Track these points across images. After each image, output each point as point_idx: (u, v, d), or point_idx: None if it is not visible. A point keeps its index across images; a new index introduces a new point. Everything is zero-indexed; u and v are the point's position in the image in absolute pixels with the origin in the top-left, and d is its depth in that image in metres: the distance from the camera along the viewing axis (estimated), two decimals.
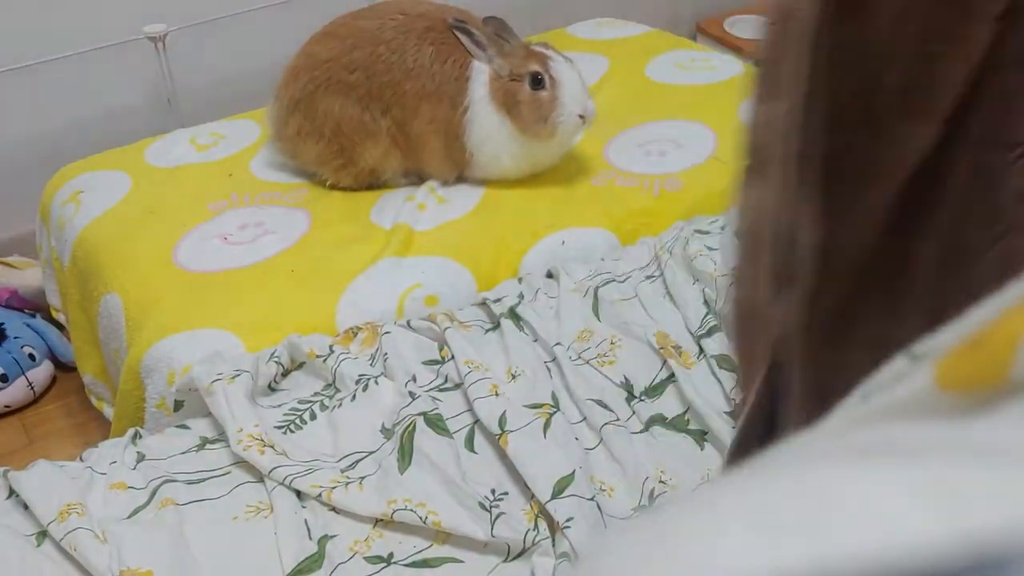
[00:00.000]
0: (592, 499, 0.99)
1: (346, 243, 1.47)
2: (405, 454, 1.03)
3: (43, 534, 0.97)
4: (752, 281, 0.43)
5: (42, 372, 1.88)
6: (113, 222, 1.58)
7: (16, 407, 1.85)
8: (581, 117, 1.47)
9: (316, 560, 0.94)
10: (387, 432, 1.09)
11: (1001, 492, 0.16)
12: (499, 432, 1.04)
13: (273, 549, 0.95)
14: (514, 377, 1.15)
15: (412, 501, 0.98)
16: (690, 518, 0.17)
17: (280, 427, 1.11)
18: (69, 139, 2.06)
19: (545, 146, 1.53)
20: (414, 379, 1.15)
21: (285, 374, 1.23)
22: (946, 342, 0.22)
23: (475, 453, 1.05)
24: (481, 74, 1.51)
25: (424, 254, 1.44)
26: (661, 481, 1.05)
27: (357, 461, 1.06)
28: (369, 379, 1.15)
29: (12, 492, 1.03)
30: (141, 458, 1.08)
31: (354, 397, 1.13)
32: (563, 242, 1.45)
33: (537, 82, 1.47)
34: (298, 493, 1.01)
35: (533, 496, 0.99)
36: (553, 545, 0.96)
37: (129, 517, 0.99)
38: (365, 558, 0.95)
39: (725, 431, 1.07)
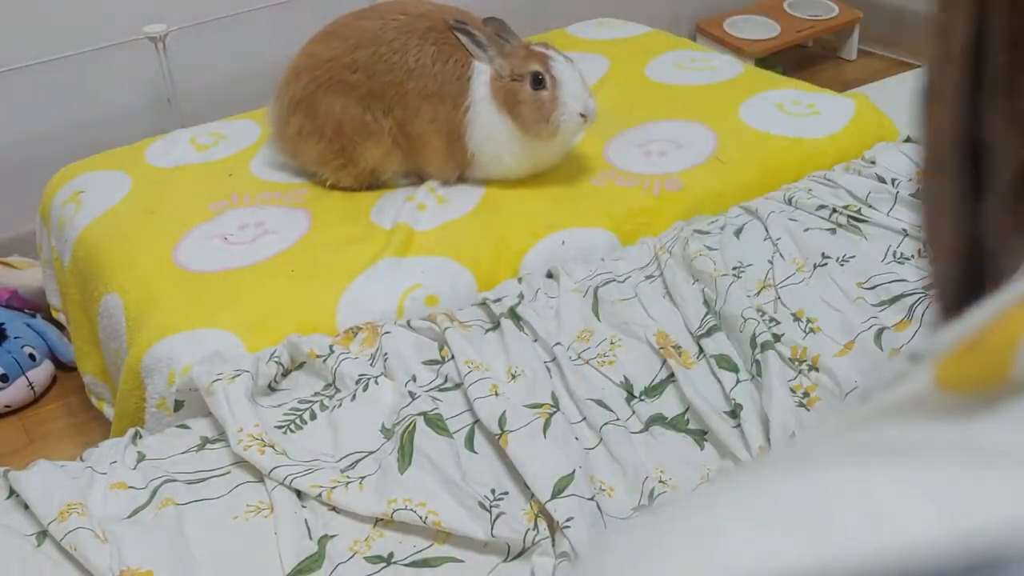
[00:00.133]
0: (592, 499, 0.99)
1: (346, 243, 1.47)
2: (405, 454, 1.03)
3: (43, 534, 0.97)
4: (937, 194, 0.42)
5: (42, 372, 1.88)
6: (113, 222, 1.58)
7: (16, 407, 1.85)
8: (583, 116, 1.47)
9: (316, 560, 0.94)
10: (387, 432, 1.09)
11: (1001, 492, 0.16)
12: (499, 432, 1.04)
13: (273, 549, 0.95)
14: (514, 377, 1.15)
15: (412, 501, 0.98)
16: (690, 518, 0.17)
17: (280, 427, 1.11)
18: (69, 139, 2.06)
19: (547, 146, 1.53)
20: (414, 379, 1.15)
21: (285, 374, 1.23)
22: (946, 342, 0.22)
23: (475, 453, 1.05)
24: (482, 74, 1.51)
25: (424, 254, 1.44)
26: (661, 481, 1.05)
27: (357, 461, 1.06)
28: (369, 379, 1.15)
29: (12, 492, 1.03)
30: (141, 458, 1.08)
31: (354, 397, 1.13)
32: (563, 242, 1.45)
33: (538, 82, 1.47)
34: (298, 493, 1.01)
35: (533, 496, 0.99)
36: (553, 545, 0.96)
37: (129, 517, 0.99)
38: (365, 558, 0.95)
39: (725, 431, 1.08)
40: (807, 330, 1.20)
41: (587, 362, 1.18)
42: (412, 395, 1.12)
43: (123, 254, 1.49)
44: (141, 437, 1.15)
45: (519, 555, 0.96)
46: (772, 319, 1.21)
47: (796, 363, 1.15)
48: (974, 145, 0.36)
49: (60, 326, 1.86)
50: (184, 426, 1.16)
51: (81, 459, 1.11)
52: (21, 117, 2.06)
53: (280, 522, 0.97)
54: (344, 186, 1.61)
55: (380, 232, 1.49)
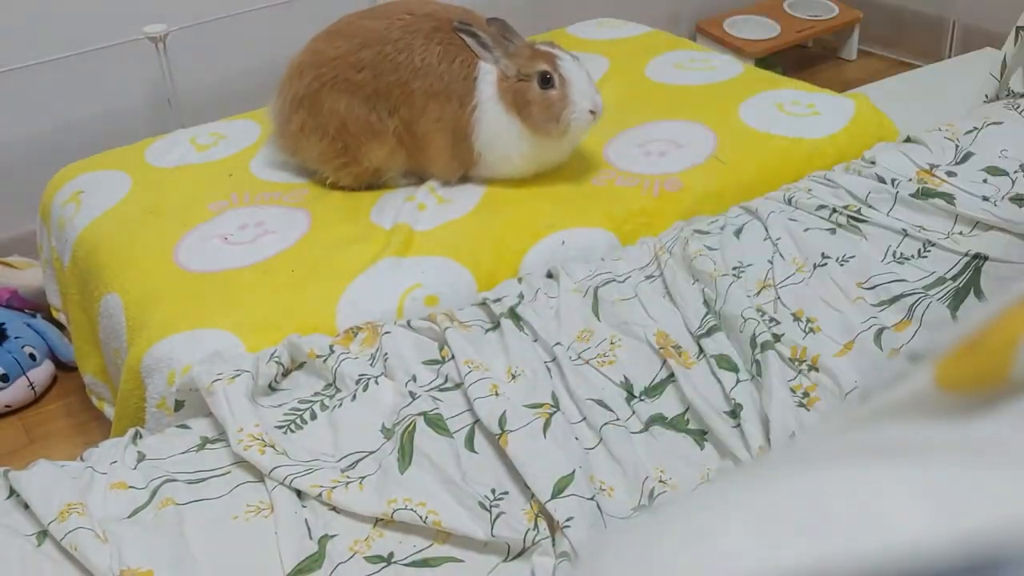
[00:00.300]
0: (592, 499, 0.99)
1: (346, 243, 1.47)
2: (405, 454, 1.03)
3: (43, 534, 0.97)
4: None
5: (43, 372, 1.88)
6: (113, 222, 1.58)
7: (17, 407, 1.85)
8: (592, 113, 1.48)
9: (316, 560, 0.94)
10: (387, 432, 1.09)
11: (1001, 492, 0.16)
12: (499, 432, 1.04)
13: (273, 549, 0.95)
14: (514, 377, 1.15)
15: (412, 501, 0.98)
16: (690, 518, 0.17)
17: (280, 427, 1.11)
18: (69, 139, 2.06)
19: (555, 145, 1.54)
20: (414, 379, 1.15)
21: (285, 374, 1.23)
22: (946, 342, 0.22)
23: (475, 453, 1.05)
24: (489, 74, 1.51)
25: (424, 254, 1.44)
26: (661, 481, 1.05)
27: (357, 461, 1.06)
28: (369, 379, 1.15)
29: (12, 492, 1.03)
30: (142, 458, 1.08)
31: (354, 397, 1.13)
32: (563, 242, 1.45)
33: (546, 81, 1.47)
34: (298, 493, 1.01)
35: (533, 496, 0.99)
36: (553, 545, 0.96)
37: (129, 517, 0.99)
38: (365, 558, 0.95)
39: (725, 431, 1.08)
40: (807, 330, 1.20)
41: (587, 362, 1.18)
42: (412, 395, 1.12)
43: (123, 254, 1.49)
44: (141, 437, 1.15)
45: (519, 555, 0.96)
46: (772, 319, 1.21)
47: (796, 363, 1.15)
48: None
49: (60, 326, 1.86)
50: (184, 426, 1.16)
51: (81, 459, 1.11)
52: (21, 117, 2.06)
53: (280, 522, 0.97)
54: (344, 185, 1.61)
55: (380, 232, 1.49)
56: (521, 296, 1.30)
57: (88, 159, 1.78)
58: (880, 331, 1.18)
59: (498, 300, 1.29)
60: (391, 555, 0.96)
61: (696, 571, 0.16)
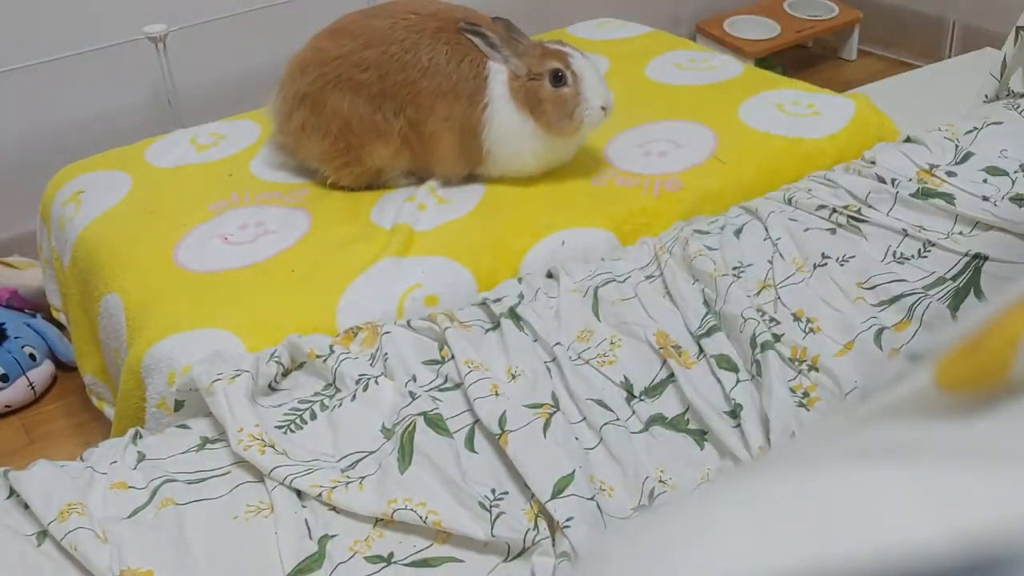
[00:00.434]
0: (592, 499, 0.99)
1: (346, 243, 1.47)
2: (405, 454, 1.03)
3: (43, 534, 0.97)
4: None
5: (43, 372, 1.88)
6: (113, 222, 1.58)
7: (17, 407, 1.85)
8: (603, 109, 1.48)
9: (316, 560, 0.94)
10: (387, 432, 1.09)
11: (1001, 492, 0.16)
12: (499, 432, 1.04)
13: (273, 549, 0.95)
14: (514, 377, 1.15)
15: (412, 501, 0.98)
16: (690, 518, 0.17)
17: (280, 427, 1.11)
18: (69, 139, 2.06)
19: (567, 142, 1.55)
20: (414, 379, 1.15)
21: (285, 374, 1.23)
22: (946, 342, 0.22)
23: (475, 453, 1.05)
24: (499, 73, 1.51)
25: (424, 254, 1.44)
26: (661, 481, 1.05)
27: (357, 461, 1.06)
28: (369, 379, 1.15)
29: (12, 492, 1.03)
30: (141, 458, 1.08)
31: (354, 397, 1.13)
32: (563, 242, 1.45)
33: (559, 79, 1.47)
34: (298, 493, 1.01)
35: (533, 496, 0.99)
36: (553, 545, 0.96)
37: (129, 517, 0.99)
38: (365, 558, 0.95)
39: (725, 431, 1.08)
40: (807, 330, 1.20)
41: (587, 362, 1.18)
42: (412, 395, 1.12)
43: (123, 254, 1.49)
44: (141, 437, 1.15)
45: (519, 555, 0.96)
46: (772, 319, 1.21)
47: (796, 363, 1.15)
48: None
49: (60, 326, 1.86)
50: (184, 426, 1.16)
51: (81, 459, 1.11)
52: (21, 117, 2.06)
53: (280, 522, 0.97)
54: (344, 185, 1.61)
55: (380, 232, 1.49)
56: (521, 296, 1.30)
57: (88, 159, 1.79)
58: (880, 331, 1.18)
59: (498, 300, 1.29)
60: (391, 555, 0.96)
61: (696, 571, 0.16)
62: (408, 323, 1.26)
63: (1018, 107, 1.63)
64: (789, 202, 1.44)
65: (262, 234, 1.51)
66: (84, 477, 1.04)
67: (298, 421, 1.12)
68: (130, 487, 1.03)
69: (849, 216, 1.37)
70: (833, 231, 1.36)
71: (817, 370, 1.14)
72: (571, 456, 1.03)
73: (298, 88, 1.58)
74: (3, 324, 1.87)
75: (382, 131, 1.54)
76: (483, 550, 0.97)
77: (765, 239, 1.35)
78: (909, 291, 1.23)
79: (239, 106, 1.98)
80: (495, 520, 0.97)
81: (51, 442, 1.79)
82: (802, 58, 3.05)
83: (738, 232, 1.39)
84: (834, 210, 1.39)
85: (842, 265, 1.29)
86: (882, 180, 1.44)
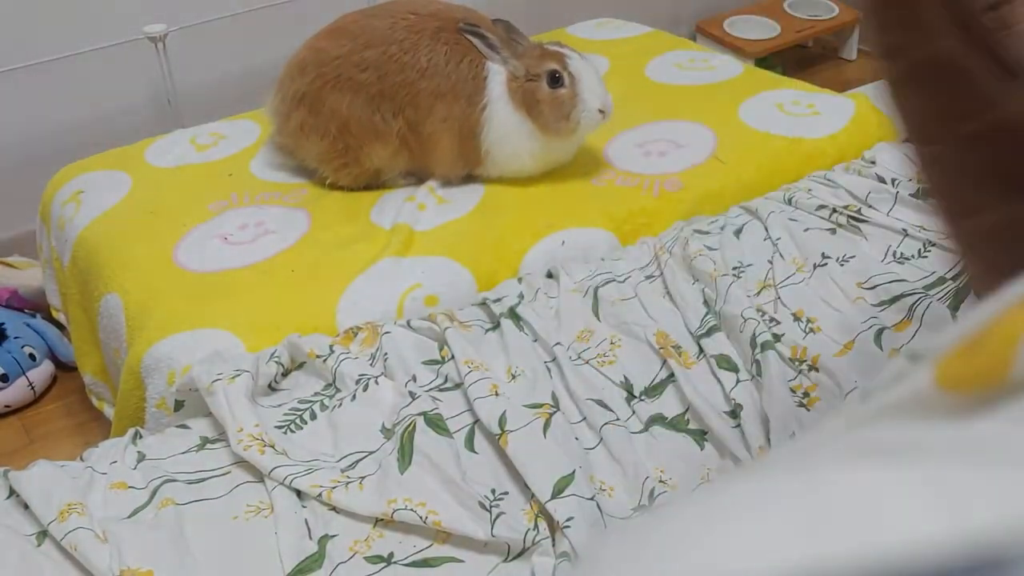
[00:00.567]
0: (592, 499, 0.99)
1: (346, 243, 1.47)
2: (405, 454, 1.03)
3: (43, 534, 0.97)
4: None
5: (42, 372, 1.88)
6: (113, 222, 1.58)
7: (16, 407, 1.85)
8: (601, 112, 1.48)
9: (316, 560, 0.94)
10: (387, 432, 1.09)
11: (1001, 492, 0.16)
12: (499, 432, 1.04)
13: (273, 549, 0.95)
14: (514, 377, 1.15)
15: (412, 501, 0.98)
16: (690, 518, 0.17)
17: (280, 427, 1.11)
18: (69, 139, 2.06)
19: (564, 143, 1.54)
20: (414, 379, 1.15)
21: (285, 374, 1.23)
22: (946, 342, 0.22)
23: (475, 453, 1.05)
24: (498, 74, 1.51)
25: (424, 254, 1.44)
26: (661, 481, 1.05)
27: (357, 461, 1.06)
28: (369, 379, 1.15)
29: (12, 492, 1.03)
30: (141, 458, 1.08)
31: (354, 397, 1.13)
32: (563, 242, 1.45)
33: (555, 80, 1.47)
34: (298, 493, 1.01)
35: (533, 496, 0.99)
36: (553, 545, 0.96)
37: (129, 517, 0.99)
38: (365, 558, 0.95)
39: (725, 431, 1.08)
40: (807, 330, 1.20)
41: (587, 362, 1.18)
42: (412, 395, 1.12)
43: (123, 254, 1.49)
44: (141, 437, 1.15)
45: (519, 555, 0.96)
46: (772, 319, 1.21)
47: (796, 363, 1.15)
48: None
49: (60, 326, 1.86)
50: (184, 426, 1.16)
51: (81, 459, 1.11)
52: (21, 117, 2.06)
53: (280, 522, 0.97)
54: (343, 185, 1.61)
55: (380, 232, 1.49)
56: (521, 296, 1.30)
57: (88, 159, 1.79)
58: (880, 331, 1.18)
59: (498, 300, 1.29)
60: (391, 555, 0.96)
61: (696, 571, 0.16)
62: (408, 323, 1.26)
63: None
64: (789, 202, 1.44)
65: (262, 234, 1.51)
66: (84, 477, 1.04)
67: (298, 421, 1.12)
68: (130, 487, 1.03)
69: (849, 216, 1.37)
70: (833, 231, 1.36)
71: (817, 370, 1.14)
72: (571, 456, 1.03)
73: (297, 88, 1.58)
74: (3, 324, 1.87)
75: (381, 132, 1.54)
76: (483, 550, 0.97)
77: (765, 239, 1.35)
78: (909, 291, 1.23)
79: (239, 106, 1.98)
80: (495, 520, 0.97)
81: (51, 442, 1.79)
82: (802, 58, 3.05)
83: (738, 232, 1.39)
84: (834, 210, 1.39)
85: (842, 265, 1.29)
86: (882, 180, 1.44)
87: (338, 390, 1.16)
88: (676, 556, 0.17)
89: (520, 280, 1.36)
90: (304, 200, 1.60)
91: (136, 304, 1.39)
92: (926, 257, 1.30)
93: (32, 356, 1.86)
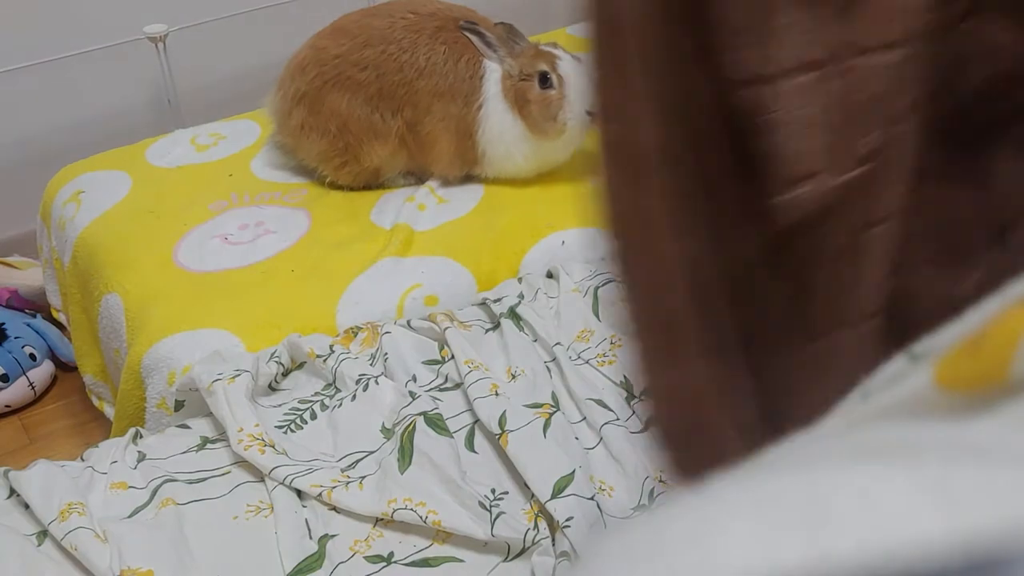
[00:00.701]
0: (592, 498, 0.99)
1: (346, 243, 1.47)
2: (405, 454, 1.03)
3: (44, 534, 0.97)
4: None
5: (43, 372, 1.88)
6: (113, 222, 1.58)
7: (17, 407, 1.85)
8: (590, 114, 1.48)
9: (316, 559, 0.94)
10: (387, 432, 1.09)
11: (1001, 492, 0.16)
12: (499, 432, 1.04)
13: (273, 548, 0.95)
14: (514, 377, 1.15)
15: (412, 500, 0.98)
16: (689, 518, 0.17)
17: (280, 427, 1.11)
18: (69, 139, 2.06)
19: (555, 145, 1.54)
20: (414, 379, 1.15)
21: (285, 374, 1.23)
22: (946, 341, 0.22)
23: (475, 453, 1.05)
24: (495, 73, 1.52)
25: (424, 254, 1.44)
26: (661, 481, 1.05)
27: (357, 461, 1.06)
28: (369, 379, 1.15)
29: (12, 492, 1.03)
30: (142, 458, 1.08)
31: (354, 397, 1.13)
32: (563, 242, 1.45)
33: (545, 81, 1.47)
34: (298, 492, 1.01)
35: (533, 495, 0.99)
36: (553, 544, 0.96)
37: (130, 517, 0.99)
38: (365, 557, 0.95)
39: None
40: None
41: (587, 362, 1.18)
42: (412, 395, 1.12)
43: (123, 254, 1.49)
44: (141, 437, 1.15)
45: (519, 555, 0.96)
46: None
47: None
48: None
49: (60, 326, 1.86)
50: (184, 426, 1.16)
51: (81, 459, 1.11)
52: (21, 117, 2.06)
53: (280, 522, 0.97)
54: (343, 184, 1.61)
55: (380, 232, 1.49)
56: (521, 296, 1.30)
57: (88, 159, 1.78)
58: None
59: (498, 300, 1.29)
60: (391, 555, 0.96)
61: (695, 571, 0.16)
62: (408, 323, 1.26)
63: None
64: None
65: (262, 234, 1.51)
66: (84, 477, 1.04)
67: (298, 421, 1.12)
68: (130, 487, 1.03)
69: None
70: None
71: None
72: (571, 456, 1.03)
73: (297, 87, 1.58)
74: (3, 324, 1.87)
75: (380, 131, 1.54)
76: (483, 550, 0.97)
77: None
78: None
79: (239, 106, 1.98)
80: (495, 520, 0.97)
81: (51, 442, 1.79)
82: None
83: None
84: None
85: None
86: None
87: (338, 390, 1.16)
88: (676, 556, 0.16)
89: (520, 280, 1.36)
90: (304, 200, 1.60)
91: (136, 304, 1.39)
92: None
93: (32, 356, 1.86)
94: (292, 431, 1.11)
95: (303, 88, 1.57)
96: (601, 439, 1.08)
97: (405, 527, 0.98)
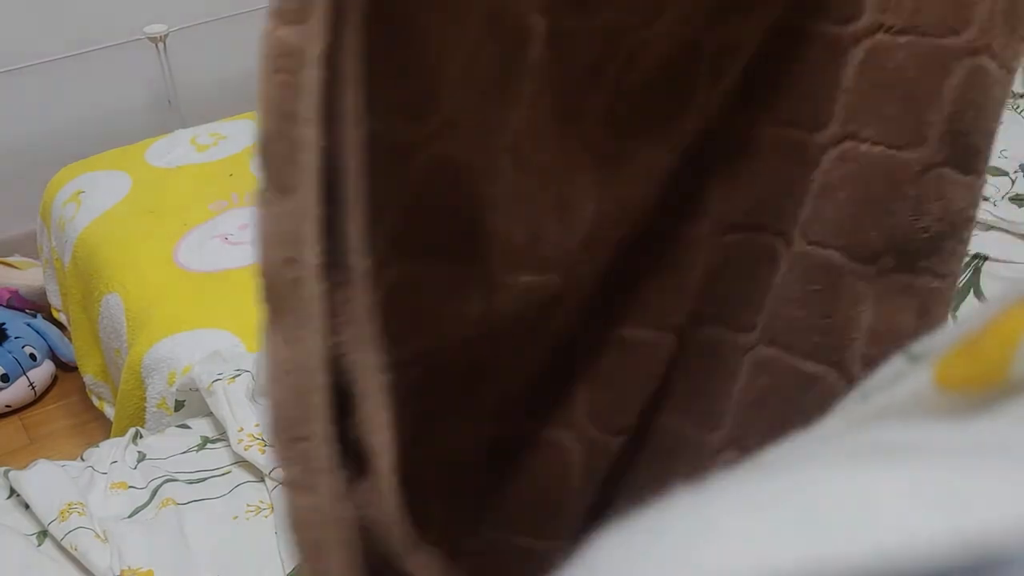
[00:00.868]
0: None
1: None
2: None
3: (44, 533, 0.97)
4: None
5: (43, 372, 1.88)
6: (113, 222, 1.58)
7: (17, 407, 1.85)
8: None
9: None
10: None
11: (1001, 492, 0.16)
12: None
13: (273, 549, 0.95)
14: None
15: None
16: (684, 517, 0.17)
17: None
18: (69, 139, 2.06)
19: None
20: None
21: None
22: (945, 341, 0.22)
23: None
24: None
25: None
26: None
27: None
28: None
29: (13, 492, 1.03)
30: (142, 458, 1.08)
31: None
32: None
33: None
34: None
35: None
36: None
37: (130, 516, 0.99)
38: None
39: None
40: None
41: None
42: None
43: (123, 254, 1.49)
44: (142, 437, 1.15)
45: None
46: None
47: None
48: None
49: (61, 326, 1.86)
50: (184, 426, 1.16)
51: (82, 459, 1.11)
52: (21, 117, 2.06)
53: (280, 522, 0.97)
54: None
55: None
56: None
57: (88, 159, 1.79)
58: None
59: None
60: None
61: (691, 570, 0.16)
62: None
63: (1018, 107, 1.63)
64: None
65: None
66: (84, 477, 1.04)
67: None
68: (130, 487, 1.03)
69: None
70: None
71: None
72: None
73: None
74: (3, 324, 1.87)
75: None
76: None
77: None
78: None
79: (239, 106, 1.98)
80: None
81: (51, 442, 1.79)
82: None
83: None
84: None
85: None
86: None
87: None
88: (674, 556, 0.16)
89: None
90: None
91: (136, 304, 1.39)
92: None
93: (33, 356, 1.86)
94: None
95: None
96: None
97: None
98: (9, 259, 2.04)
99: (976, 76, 0.42)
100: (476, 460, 0.47)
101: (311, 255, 0.28)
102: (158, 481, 1.03)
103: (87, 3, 2.04)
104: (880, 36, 0.42)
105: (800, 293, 0.46)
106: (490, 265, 0.41)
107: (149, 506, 1.01)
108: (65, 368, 1.92)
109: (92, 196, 1.65)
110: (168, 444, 1.11)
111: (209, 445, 1.10)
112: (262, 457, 1.03)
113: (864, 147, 0.43)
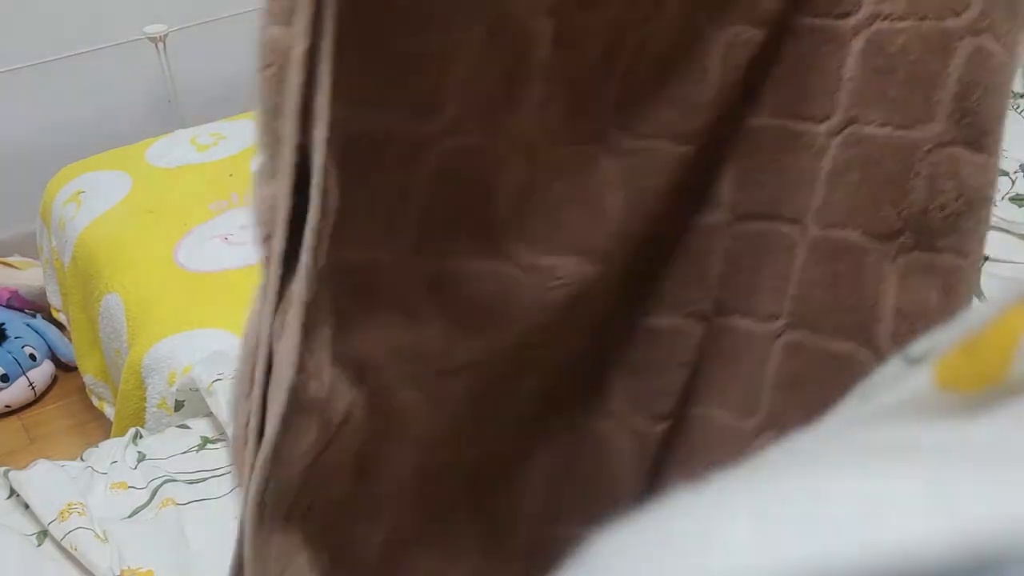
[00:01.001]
0: None
1: None
2: None
3: (44, 534, 0.97)
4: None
5: (43, 372, 1.88)
6: (113, 222, 1.58)
7: (17, 407, 1.85)
8: None
9: None
10: None
11: (1001, 492, 0.16)
12: None
13: None
14: None
15: None
16: (687, 516, 0.17)
17: None
18: (69, 139, 2.06)
19: None
20: None
21: None
22: (946, 342, 0.22)
23: None
24: None
25: None
26: None
27: None
28: None
29: (13, 492, 1.03)
30: (142, 458, 1.08)
31: None
32: None
33: None
34: None
35: None
36: None
37: (130, 517, 0.99)
38: None
39: None
40: None
41: None
42: None
43: (123, 254, 1.49)
44: (141, 437, 1.15)
45: None
46: None
47: None
48: None
49: (61, 326, 1.86)
50: (184, 426, 1.16)
51: (81, 459, 1.11)
52: (21, 117, 2.06)
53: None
54: None
55: None
56: None
57: (88, 159, 1.79)
58: None
59: None
60: None
61: (693, 569, 0.16)
62: None
63: (1018, 107, 1.63)
64: None
65: None
66: (84, 477, 1.04)
67: None
68: (130, 487, 1.03)
69: None
70: None
71: None
72: None
73: None
74: (3, 324, 1.87)
75: None
76: None
77: None
78: None
79: (239, 106, 1.98)
80: None
81: (51, 442, 1.79)
82: None
83: None
84: None
85: None
86: None
87: None
88: (673, 554, 0.16)
89: None
90: None
91: (136, 304, 1.39)
92: None
93: (32, 356, 1.86)
94: None
95: None
96: None
97: None
98: (9, 259, 2.04)
99: (980, 56, 0.42)
100: (527, 450, 0.48)
101: (277, 241, 0.31)
102: (158, 481, 1.03)
103: (87, 3, 2.04)
104: (879, 24, 0.43)
105: (823, 275, 0.46)
106: (517, 255, 0.42)
107: (149, 506, 1.00)
108: (65, 368, 1.92)
109: (92, 196, 1.65)
110: (168, 444, 1.11)
111: (209, 445, 1.10)
112: None
113: (869, 129, 0.44)
